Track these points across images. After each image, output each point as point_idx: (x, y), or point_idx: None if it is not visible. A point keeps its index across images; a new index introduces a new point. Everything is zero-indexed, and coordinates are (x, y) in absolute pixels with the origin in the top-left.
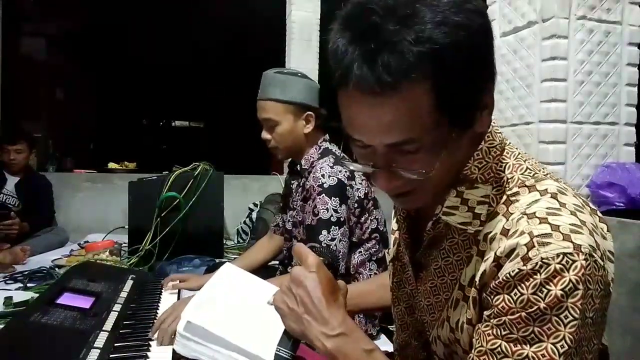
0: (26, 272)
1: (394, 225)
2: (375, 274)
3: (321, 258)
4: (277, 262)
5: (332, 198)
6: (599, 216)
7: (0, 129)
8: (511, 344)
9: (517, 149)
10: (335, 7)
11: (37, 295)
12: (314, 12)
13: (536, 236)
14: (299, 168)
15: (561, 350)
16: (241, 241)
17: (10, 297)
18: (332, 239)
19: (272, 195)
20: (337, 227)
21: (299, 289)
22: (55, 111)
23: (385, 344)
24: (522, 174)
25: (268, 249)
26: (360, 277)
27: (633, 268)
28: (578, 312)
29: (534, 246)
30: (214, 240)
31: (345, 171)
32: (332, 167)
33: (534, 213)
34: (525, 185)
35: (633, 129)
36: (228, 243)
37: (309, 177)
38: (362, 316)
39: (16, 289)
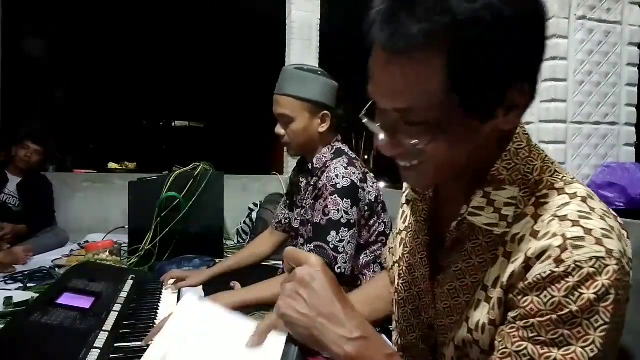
0: (26, 272)
1: (400, 225)
2: None
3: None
4: (280, 262)
5: (344, 199)
6: (620, 223)
7: (0, 129)
8: (538, 347)
9: (542, 151)
10: (335, 7)
11: (37, 295)
12: (314, 12)
13: (569, 239)
14: (310, 167)
15: (590, 355)
16: (241, 241)
17: (10, 297)
18: (341, 241)
19: (272, 195)
20: (346, 229)
21: (307, 291)
22: (56, 111)
23: None
24: (550, 176)
25: (268, 244)
26: (363, 278)
27: (634, 268)
28: (609, 316)
29: (567, 249)
30: (214, 240)
31: (359, 173)
32: (346, 168)
33: (566, 216)
34: (555, 188)
35: (633, 129)
36: (228, 243)
37: (322, 176)
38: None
39: (16, 289)
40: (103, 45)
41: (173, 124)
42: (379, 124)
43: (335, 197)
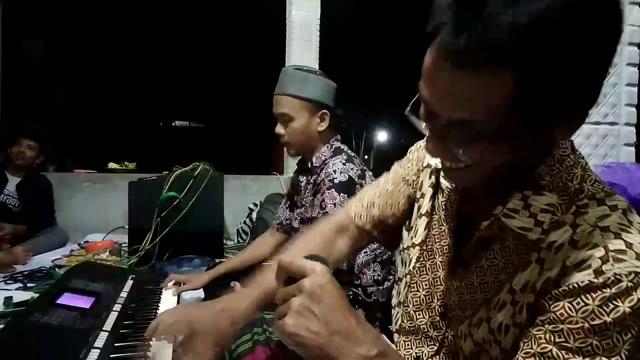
0: (26, 272)
1: (427, 206)
2: (379, 275)
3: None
4: None
5: (341, 194)
6: None
7: (0, 129)
8: (563, 352)
9: (582, 158)
10: (335, 7)
11: (37, 295)
12: (314, 12)
13: (612, 251)
14: (309, 166)
15: None
16: (241, 241)
17: (10, 297)
18: None
19: (272, 195)
20: None
21: (319, 306)
22: (56, 111)
23: None
24: (591, 185)
25: (268, 245)
26: (363, 277)
27: None
28: (637, 330)
29: (609, 260)
30: (214, 240)
31: (357, 169)
32: (344, 164)
33: (608, 227)
34: (595, 198)
35: (633, 129)
36: (228, 243)
37: (321, 173)
38: (363, 316)
39: (16, 289)
40: (103, 45)
41: (173, 124)
42: (426, 126)
43: (333, 191)
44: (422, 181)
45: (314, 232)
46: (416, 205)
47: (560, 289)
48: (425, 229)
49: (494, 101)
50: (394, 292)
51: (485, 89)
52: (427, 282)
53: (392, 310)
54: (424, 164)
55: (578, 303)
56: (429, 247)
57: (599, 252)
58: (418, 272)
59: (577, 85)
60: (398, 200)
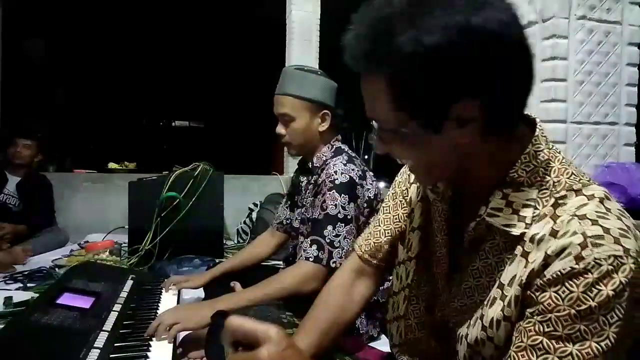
0: (26, 272)
1: (419, 220)
2: None
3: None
4: (281, 262)
5: (342, 195)
6: (633, 223)
7: (0, 129)
8: (553, 341)
9: (560, 152)
10: (335, 7)
11: (37, 295)
12: (314, 12)
13: (589, 237)
14: (310, 166)
15: (605, 349)
16: (241, 241)
17: (10, 297)
18: (337, 235)
19: (272, 195)
20: (342, 224)
21: None
22: (56, 111)
23: (385, 344)
24: (568, 177)
25: (268, 245)
26: None
27: None
28: (623, 312)
29: (587, 246)
30: (214, 240)
31: (358, 170)
32: (345, 165)
33: (585, 215)
34: (573, 189)
35: (633, 129)
36: (228, 243)
37: (322, 173)
38: (363, 317)
39: (16, 289)
40: (103, 45)
41: (173, 124)
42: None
43: (333, 192)
44: (411, 196)
45: (333, 286)
46: (408, 220)
47: (545, 279)
48: (419, 242)
49: (381, 102)
50: (389, 306)
51: (373, 92)
52: (427, 294)
53: (388, 325)
54: (412, 180)
55: (564, 291)
56: (426, 258)
57: (578, 239)
58: (417, 284)
59: (450, 93)
60: (390, 225)
